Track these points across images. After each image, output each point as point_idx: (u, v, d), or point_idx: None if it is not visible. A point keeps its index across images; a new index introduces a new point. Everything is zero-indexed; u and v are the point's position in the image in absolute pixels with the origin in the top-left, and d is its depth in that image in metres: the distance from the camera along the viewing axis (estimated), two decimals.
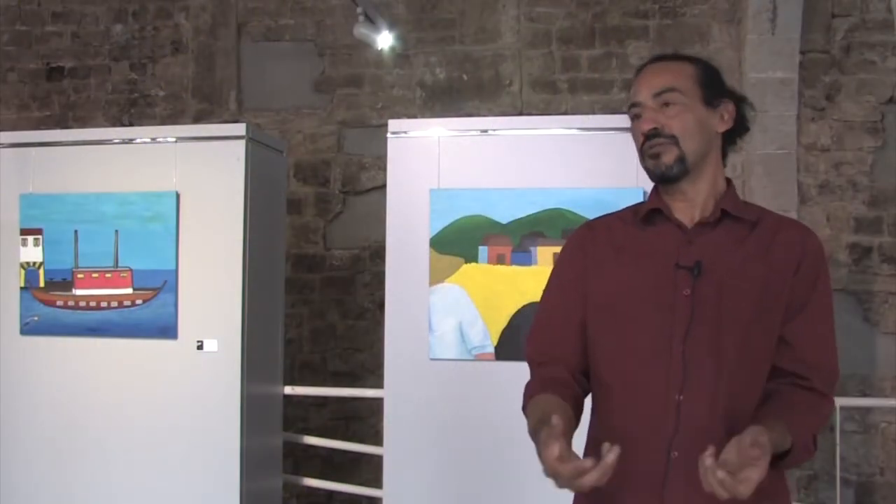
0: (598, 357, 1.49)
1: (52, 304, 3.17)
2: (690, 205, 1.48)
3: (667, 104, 1.44)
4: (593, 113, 4.28)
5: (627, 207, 1.59)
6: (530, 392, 1.51)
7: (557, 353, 1.52)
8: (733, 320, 1.39)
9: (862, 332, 4.02)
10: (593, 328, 1.50)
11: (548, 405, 1.42)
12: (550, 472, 1.20)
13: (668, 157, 1.44)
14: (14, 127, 4.60)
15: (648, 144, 1.45)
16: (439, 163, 3.01)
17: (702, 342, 1.38)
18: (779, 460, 1.35)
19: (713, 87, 1.48)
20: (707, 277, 1.40)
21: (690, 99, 1.45)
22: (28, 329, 3.19)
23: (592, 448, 1.52)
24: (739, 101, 1.51)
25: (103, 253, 3.13)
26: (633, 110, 1.49)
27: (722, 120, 1.48)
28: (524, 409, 1.53)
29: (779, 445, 1.30)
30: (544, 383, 1.50)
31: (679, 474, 1.37)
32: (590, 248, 1.53)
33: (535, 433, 1.35)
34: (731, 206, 1.47)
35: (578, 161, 2.95)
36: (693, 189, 1.47)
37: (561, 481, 1.20)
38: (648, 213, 1.51)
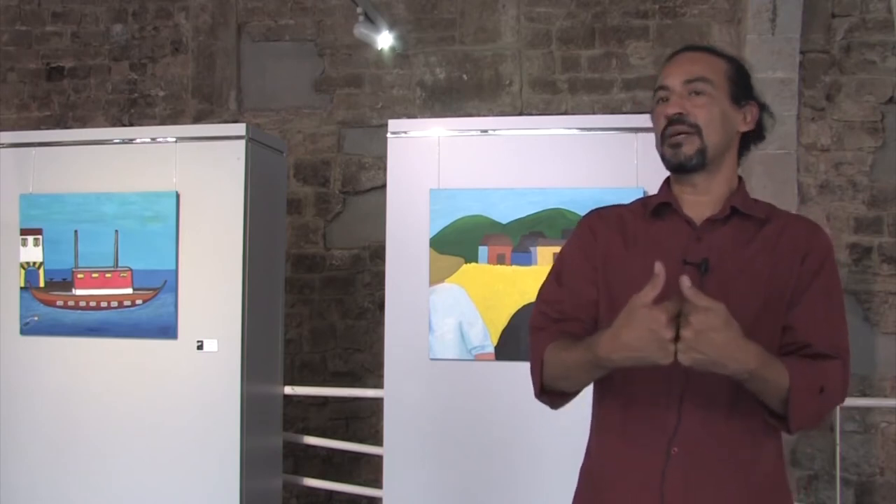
0: None
1: (52, 304, 3.17)
2: (701, 199, 1.47)
3: (696, 93, 1.43)
4: (593, 113, 4.28)
5: (637, 199, 1.57)
6: (547, 342, 1.45)
7: (574, 313, 1.48)
8: (739, 318, 1.36)
9: (862, 332, 4.02)
10: (599, 321, 1.48)
11: (576, 341, 1.39)
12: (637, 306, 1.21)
13: (689, 148, 1.43)
14: (14, 127, 4.61)
15: (671, 130, 1.44)
16: (439, 163, 3.01)
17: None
18: (777, 418, 1.34)
19: (742, 87, 1.47)
20: (714, 275, 1.40)
21: (719, 92, 1.44)
22: (28, 329, 3.19)
23: (595, 442, 1.53)
24: (762, 108, 1.51)
25: (103, 253, 3.13)
26: (660, 93, 1.47)
27: (745, 120, 1.48)
28: (535, 366, 1.47)
29: (771, 377, 1.28)
30: (563, 335, 1.45)
31: (679, 470, 1.37)
32: (600, 232, 1.52)
33: (575, 350, 1.36)
34: (741, 204, 1.46)
35: (578, 161, 2.95)
36: (707, 183, 1.46)
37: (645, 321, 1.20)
38: (657, 207, 1.50)
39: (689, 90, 1.44)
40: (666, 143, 1.45)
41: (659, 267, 1.20)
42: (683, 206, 1.48)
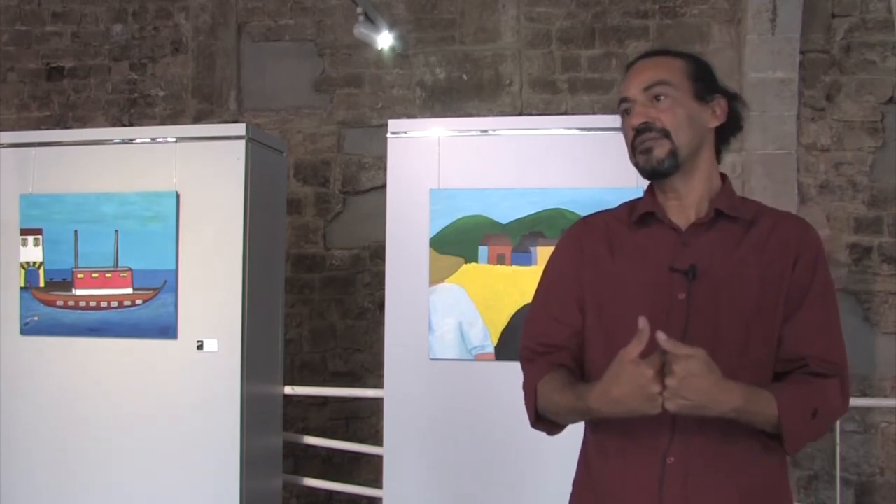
0: (592, 360, 1.47)
1: (52, 304, 3.17)
2: (684, 204, 1.46)
3: (657, 98, 1.43)
4: (593, 113, 4.29)
5: (623, 204, 1.56)
6: (539, 375, 1.48)
7: (560, 343, 1.49)
8: (730, 324, 1.37)
9: (862, 332, 4.02)
10: (587, 331, 1.48)
11: (569, 378, 1.42)
12: (625, 362, 1.25)
13: (660, 152, 1.41)
14: (14, 127, 4.61)
15: (640, 139, 1.43)
16: (439, 163, 3.01)
17: (698, 347, 1.35)
18: (776, 439, 1.34)
19: (704, 82, 1.46)
20: (703, 280, 1.38)
21: (681, 93, 1.43)
22: (28, 329, 3.19)
23: (590, 455, 1.51)
24: (732, 99, 1.49)
25: (103, 253, 3.13)
26: (623, 105, 1.47)
27: (714, 115, 1.46)
28: (529, 398, 1.50)
29: (759, 411, 1.29)
30: (552, 367, 1.47)
31: (675, 480, 1.35)
32: (586, 244, 1.51)
33: (566, 396, 1.39)
34: (725, 206, 1.44)
35: (578, 161, 2.95)
36: (686, 186, 1.45)
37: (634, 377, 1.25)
38: (642, 216, 1.48)
39: (649, 96, 1.43)
40: (637, 151, 1.45)
41: (643, 322, 1.24)
42: (668, 213, 1.46)
